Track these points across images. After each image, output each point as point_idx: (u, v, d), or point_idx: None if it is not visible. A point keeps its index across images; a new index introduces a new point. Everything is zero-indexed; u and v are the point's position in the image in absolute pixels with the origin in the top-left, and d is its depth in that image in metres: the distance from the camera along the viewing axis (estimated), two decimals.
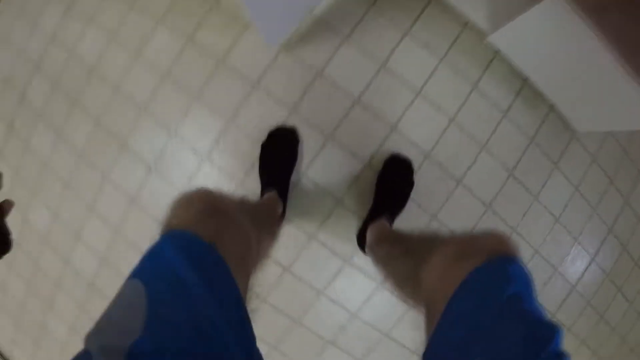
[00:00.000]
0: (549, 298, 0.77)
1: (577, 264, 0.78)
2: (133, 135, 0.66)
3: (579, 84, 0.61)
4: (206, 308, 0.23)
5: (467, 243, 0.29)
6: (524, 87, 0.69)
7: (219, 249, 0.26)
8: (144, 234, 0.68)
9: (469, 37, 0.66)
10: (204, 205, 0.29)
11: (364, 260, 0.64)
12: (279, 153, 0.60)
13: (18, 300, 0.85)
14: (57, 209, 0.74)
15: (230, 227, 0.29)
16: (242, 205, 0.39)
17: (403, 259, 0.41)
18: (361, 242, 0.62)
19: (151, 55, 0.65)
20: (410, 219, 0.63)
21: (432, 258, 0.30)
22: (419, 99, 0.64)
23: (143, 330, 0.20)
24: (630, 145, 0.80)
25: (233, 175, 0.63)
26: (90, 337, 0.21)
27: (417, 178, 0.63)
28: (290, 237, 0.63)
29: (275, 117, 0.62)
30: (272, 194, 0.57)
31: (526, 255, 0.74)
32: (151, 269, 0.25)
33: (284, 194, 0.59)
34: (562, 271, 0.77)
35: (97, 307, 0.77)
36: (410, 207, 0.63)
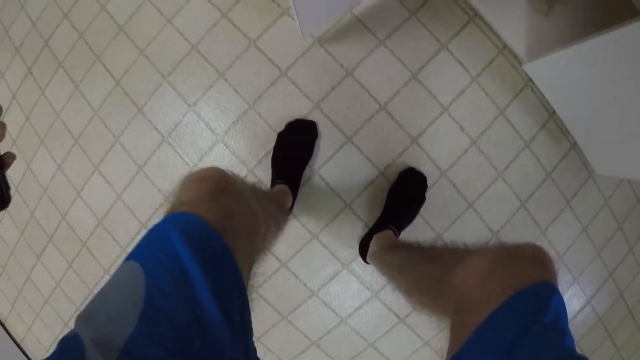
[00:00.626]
0: None
1: (572, 303, 0.79)
2: (151, 101, 0.66)
3: (606, 127, 0.62)
4: (206, 302, 0.22)
5: (509, 249, 0.29)
6: (550, 121, 0.70)
7: (227, 233, 0.26)
8: (145, 203, 0.68)
9: (504, 61, 0.66)
10: (215, 184, 0.28)
11: (362, 268, 0.65)
12: (295, 145, 0.60)
13: (9, 246, 0.85)
14: (63, 162, 0.74)
15: (241, 208, 0.29)
16: (254, 190, 0.39)
17: (426, 264, 0.40)
18: (363, 249, 0.62)
19: (183, 23, 0.65)
20: (415, 234, 0.64)
21: (468, 262, 0.30)
22: (444, 116, 0.64)
23: (139, 319, 0.19)
24: None
25: (245, 160, 0.63)
26: (82, 320, 0.20)
27: (430, 194, 0.63)
28: (293, 232, 0.63)
29: (298, 109, 0.62)
30: (283, 186, 0.57)
31: None
32: (152, 253, 0.24)
33: (294, 188, 0.60)
34: None
35: (86, 267, 0.78)
36: (417, 222, 0.64)
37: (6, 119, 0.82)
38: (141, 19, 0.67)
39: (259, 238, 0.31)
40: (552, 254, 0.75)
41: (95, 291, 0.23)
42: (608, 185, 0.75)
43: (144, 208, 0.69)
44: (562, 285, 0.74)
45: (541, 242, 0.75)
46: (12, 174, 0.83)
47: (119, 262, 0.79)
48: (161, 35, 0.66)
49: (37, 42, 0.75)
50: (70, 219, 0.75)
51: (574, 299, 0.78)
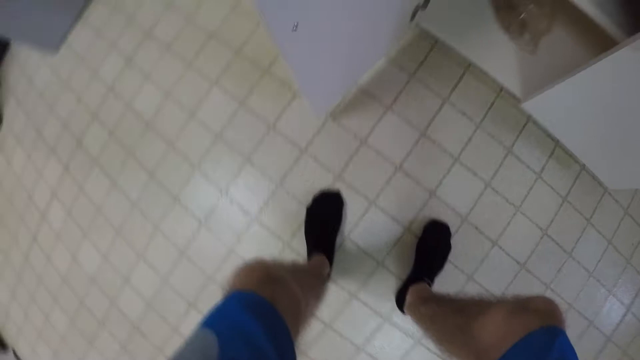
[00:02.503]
0: (585, 350, 0.83)
1: (612, 315, 0.84)
2: (185, 190, 0.76)
3: (609, 145, 0.69)
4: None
5: (522, 302, 0.36)
6: (557, 149, 0.77)
7: (280, 312, 0.33)
8: (191, 285, 0.77)
9: (503, 103, 0.75)
10: (261, 274, 0.36)
11: (402, 319, 0.72)
12: (324, 216, 0.68)
13: (60, 333, 0.94)
14: (107, 252, 0.84)
15: (284, 292, 0.36)
16: (293, 271, 0.47)
17: (454, 316, 0.47)
18: (400, 301, 0.70)
19: (205, 115, 0.75)
20: (448, 280, 0.71)
21: (487, 313, 0.37)
22: (456, 165, 0.72)
23: None
24: None
25: (280, 236, 0.72)
26: None
27: (455, 241, 0.71)
28: (333, 295, 0.71)
29: (322, 182, 0.71)
30: (320, 257, 0.65)
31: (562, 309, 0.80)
32: (221, 321, 0.30)
33: (329, 255, 0.68)
34: (598, 324, 0.83)
35: (139, 349, 0.86)
36: (448, 268, 0.71)
37: (47, 216, 0.93)
38: (165, 114, 0.78)
39: (301, 314, 0.39)
40: (581, 273, 0.80)
41: None
42: (624, 196, 0.81)
43: (191, 289, 0.77)
44: (597, 301, 0.78)
45: (569, 264, 0.81)
46: (58, 263, 0.93)
47: (171, 341, 0.87)
48: (187, 128, 0.76)
49: (70, 142, 0.86)
50: (120, 304, 0.84)
51: (613, 311, 0.83)
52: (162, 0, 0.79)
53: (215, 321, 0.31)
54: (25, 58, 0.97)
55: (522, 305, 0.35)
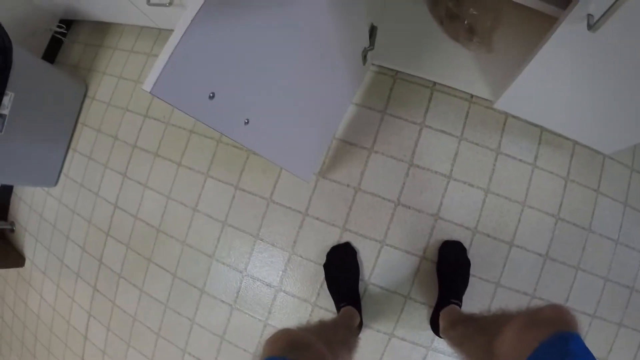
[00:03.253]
0: (635, 319, 0.82)
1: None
2: (209, 280, 0.81)
3: (590, 113, 0.71)
4: None
5: (532, 314, 0.38)
6: (543, 134, 0.79)
7: None
8: None
9: (478, 109, 0.78)
10: (285, 342, 0.40)
11: (444, 343, 0.74)
12: (340, 269, 0.73)
13: None
14: (153, 356, 0.89)
15: (309, 355, 0.39)
16: (320, 330, 0.51)
17: (477, 336, 0.50)
18: (435, 327, 0.73)
19: (206, 207, 0.81)
20: (477, 293, 0.73)
21: (503, 332, 0.39)
22: (451, 183, 0.75)
23: None
24: None
25: (306, 298, 0.76)
26: None
27: (472, 254, 0.74)
28: (372, 340, 0.74)
29: (330, 238, 0.76)
30: (348, 308, 0.69)
31: (598, 286, 0.81)
32: None
33: (356, 304, 0.72)
34: (639, 287, 0.83)
35: None
36: (473, 282, 0.74)
37: (89, 336, 0.99)
38: (171, 216, 0.84)
39: None
40: (607, 244, 0.80)
41: None
42: (625, 155, 0.82)
43: None
44: (631, 266, 0.78)
45: (591, 240, 0.82)
46: None
47: None
48: (194, 223, 0.82)
49: (92, 263, 0.94)
50: None
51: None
52: (139, 113, 0.87)
53: None
54: (30, 196, 1.06)
55: (533, 317, 0.37)
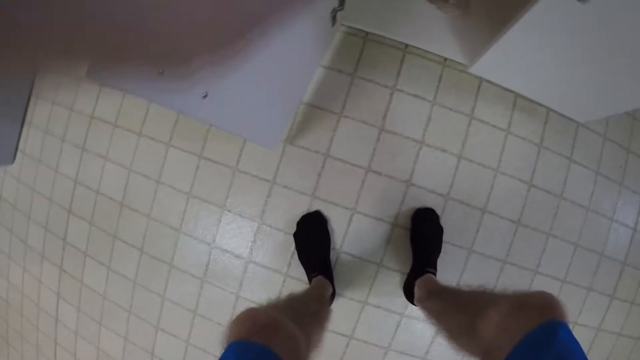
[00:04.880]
0: (603, 283, 0.83)
1: (620, 241, 0.84)
2: (177, 254, 0.77)
3: (565, 82, 0.69)
4: None
5: (520, 299, 0.37)
6: (517, 100, 0.77)
7: (273, 349, 0.34)
8: (213, 339, 0.79)
9: (451, 72, 0.74)
10: (251, 322, 0.37)
11: (417, 310, 0.73)
12: (311, 238, 0.70)
13: None
14: (127, 333, 0.86)
15: (278, 334, 0.37)
16: (289, 306, 0.48)
17: (457, 313, 0.49)
18: (408, 294, 0.71)
19: (170, 178, 0.76)
20: (449, 260, 0.72)
21: (488, 312, 0.38)
22: (424, 149, 0.72)
23: None
24: (636, 111, 0.86)
25: (277, 269, 0.73)
26: None
27: (444, 221, 0.72)
28: (346, 308, 0.72)
29: (299, 206, 0.72)
30: (319, 279, 0.67)
31: (568, 252, 0.81)
32: None
33: (328, 273, 0.69)
34: (609, 253, 0.84)
35: None
36: (445, 248, 0.72)
37: (60, 318, 0.95)
38: (134, 189, 0.79)
39: (301, 349, 0.40)
40: (578, 211, 0.80)
41: None
42: (598, 124, 0.81)
43: (214, 343, 0.79)
44: (602, 232, 0.78)
45: (563, 207, 0.81)
46: (86, 358, 0.96)
47: None
48: (158, 196, 0.78)
49: (56, 243, 0.88)
50: None
51: (620, 237, 0.83)
52: (95, 84, 0.80)
53: None
54: None
55: (520, 303, 0.36)
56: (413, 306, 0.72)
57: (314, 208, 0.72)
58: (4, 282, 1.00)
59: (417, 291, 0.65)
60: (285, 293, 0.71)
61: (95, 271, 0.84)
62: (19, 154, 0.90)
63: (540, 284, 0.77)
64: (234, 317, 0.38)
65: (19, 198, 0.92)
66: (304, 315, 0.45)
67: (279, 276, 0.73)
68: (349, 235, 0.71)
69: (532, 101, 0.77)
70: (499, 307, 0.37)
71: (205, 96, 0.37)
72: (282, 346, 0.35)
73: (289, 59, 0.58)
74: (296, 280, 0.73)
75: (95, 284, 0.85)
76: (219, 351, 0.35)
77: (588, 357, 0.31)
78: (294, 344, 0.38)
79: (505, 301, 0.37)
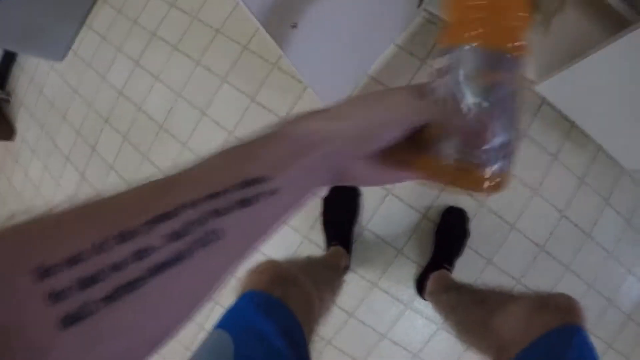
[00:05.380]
0: (606, 329, 0.82)
1: (632, 294, 0.84)
2: None
3: (623, 125, 0.68)
4: (283, 357, 0.29)
5: (543, 299, 0.36)
6: (572, 130, 0.76)
7: (291, 309, 0.34)
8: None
9: None
10: (272, 274, 0.37)
11: (424, 305, 0.73)
12: (341, 207, 0.69)
13: None
14: None
15: (296, 291, 0.37)
16: (307, 267, 0.48)
17: (474, 307, 0.48)
18: (419, 288, 0.71)
19: (216, 113, 0.76)
20: (467, 265, 0.71)
21: (508, 309, 0.37)
22: None
23: None
24: None
25: (298, 228, 0.72)
26: None
27: (473, 226, 0.71)
28: (355, 284, 0.72)
29: None
30: (337, 248, 0.66)
31: (579, 290, 0.80)
32: (235, 322, 0.32)
33: (347, 246, 0.68)
34: (617, 302, 0.83)
35: None
36: (467, 253, 0.71)
37: None
38: (177, 115, 0.78)
39: (314, 309, 0.39)
40: (601, 253, 0.79)
41: None
42: None
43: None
44: (616, 280, 0.78)
45: (588, 245, 0.81)
46: None
47: None
48: (199, 127, 0.77)
49: (84, 149, 0.88)
50: None
51: (633, 290, 0.83)
52: (165, 1, 0.79)
53: (229, 322, 0.33)
54: (32, 68, 0.97)
55: (543, 302, 0.35)
56: (421, 300, 0.72)
57: None
58: (22, 174, 0.99)
59: (430, 284, 0.65)
60: (299, 255, 0.71)
61: (116, 185, 0.83)
62: (70, 53, 0.89)
63: None
64: (254, 265, 0.38)
65: (58, 97, 0.91)
66: (319, 280, 0.44)
67: (298, 236, 0.73)
68: (378, 214, 0.70)
69: (585, 136, 0.76)
70: (521, 302, 0.37)
71: (294, 26, 0.36)
72: (297, 304, 0.35)
73: (374, 20, 0.57)
74: (314, 246, 0.72)
75: None
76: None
77: None
78: (309, 305, 0.38)
79: (528, 298, 0.37)
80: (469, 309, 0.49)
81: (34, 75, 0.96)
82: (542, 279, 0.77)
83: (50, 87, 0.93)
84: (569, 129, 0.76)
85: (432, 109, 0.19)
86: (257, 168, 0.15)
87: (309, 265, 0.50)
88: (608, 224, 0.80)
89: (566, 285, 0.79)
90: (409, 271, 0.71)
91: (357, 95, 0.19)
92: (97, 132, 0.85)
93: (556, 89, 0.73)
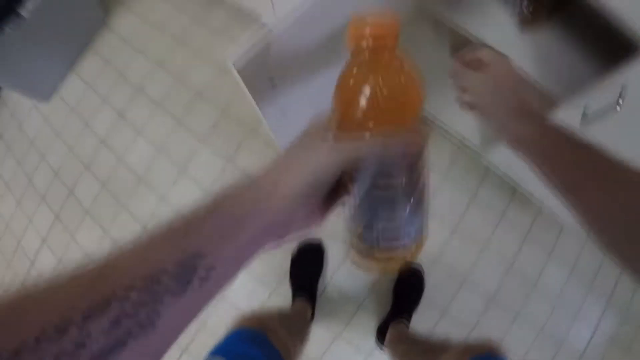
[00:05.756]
0: None
1: (579, 337, 0.90)
2: None
3: None
4: None
5: (470, 344, 0.44)
6: (516, 192, 0.85)
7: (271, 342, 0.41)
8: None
9: (464, 157, 0.82)
10: (256, 321, 0.44)
11: (382, 356, 0.77)
12: (307, 264, 0.74)
13: None
14: None
15: (274, 337, 0.43)
16: (281, 319, 0.52)
17: (421, 356, 0.56)
18: (380, 338, 0.75)
19: (194, 171, 0.80)
20: (424, 316, 0.77)
21: (443, 357, 0.44)
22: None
23: None
24: None
25: (267, 283, 0.76)
26: None
27: (428, 280, 0.77)
28: (318, 336, 0.75)
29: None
30: (302, 303, 0.70)
31: (530, 337, 0.86)
32: (228, 349, 0.39)
33: (312, 299, 0.73)
34: (568, 346, 0.90)
35: None
36: (423, 304, 0.77)
37: (36, 262, 0.93)
38: (157, 169, 0.81)
39: (290, 356, 0.46)
40: (548, 300, 0.85)
41: None
42: (580, 229, 0.89)
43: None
44: (565, 325, 0.83)
45: (535, 293, 0.88)
46: None
47: None
48: (178, 183, 0.80)
49: (62, 191, 0.88)
50: None
51: (581, 332, 0.89)
52: (153, 59, 0.84)
53: (224, 349, 0.39)
54: (15, 104, 0.99)
55: (471, 345, 0.43)
56: (378, 352, 0.76)
57: (317, 236, 0.76)
58: None
59: (389, 335, 0.70)
60: (266, 307, 0.74)
61: (91, 230, 0.84)
62: (56, 96, 0.91)
63: None
64: (240, 315, 0.46)
65: (39, 136, 0.92)
66: (292, 331, 0.51)
67: (266, 290, 0.76)
68: (340, 270, 0.76)
69: (528, 195, 0.86)
70: (453, 350, 0.44)
71: (274, 86, 0.41)
72: (276, 342, 0.43)
73: None
74: (282, 298, 0.76)
75: (86, 243, 0.85)
76: None
77: None
78: (286, 353, 0.45)
79: (457, 347, 0.45)
80: (418, 357, 0.57)
81: (14, 110, 0.97)
82: (494, 326, 0.83)
83: (30, 125, 0.94)
84: (513, 191, 0.86)
85: (349, 156, 0.19)
86: (194, 244, 0.15)
87: (282, 317, 0.55)
88: (553, 275, 0.88)
89: (517, 332, 0.85)
90: (369, 323, 0.76)
91: (285, 153, 0.20)
92: (75, 176, 0.87)
93: (503, 156, 0.82)
